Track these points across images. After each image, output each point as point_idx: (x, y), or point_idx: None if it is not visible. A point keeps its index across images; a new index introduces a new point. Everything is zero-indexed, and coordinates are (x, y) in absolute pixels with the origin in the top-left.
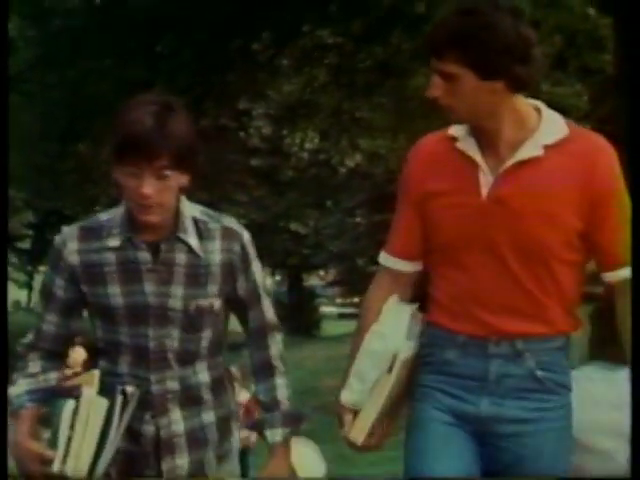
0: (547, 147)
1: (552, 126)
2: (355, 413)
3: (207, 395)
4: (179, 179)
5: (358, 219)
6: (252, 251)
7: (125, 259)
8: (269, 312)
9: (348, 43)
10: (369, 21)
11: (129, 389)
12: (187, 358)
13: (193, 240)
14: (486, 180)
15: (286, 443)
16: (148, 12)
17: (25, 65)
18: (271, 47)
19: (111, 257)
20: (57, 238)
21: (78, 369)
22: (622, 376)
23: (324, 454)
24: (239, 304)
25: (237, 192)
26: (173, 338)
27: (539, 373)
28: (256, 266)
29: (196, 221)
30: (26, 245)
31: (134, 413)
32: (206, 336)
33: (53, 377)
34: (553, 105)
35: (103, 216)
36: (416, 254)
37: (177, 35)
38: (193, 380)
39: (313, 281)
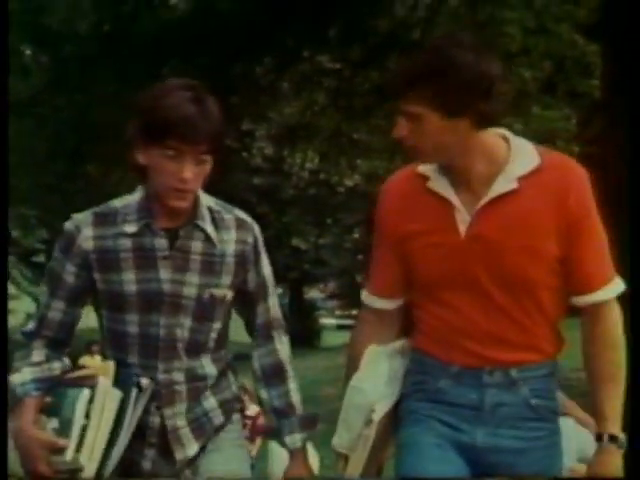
0: (520, 178)
1: (522, 156)
2: (346, 456)
3: (210, 386)
4: (210, 165)
5: (356, 236)
6: (262, 243)
7: (141, 245)
8: (276, 309)
9: (346, 68)
10: (367, 47)
11: (144, 381)
12: (195, 349)
13: (210, 228)
14: (462, 218)
15: (305, 447)
16: (153, 38)
17: (37, 89)
18: (273, 71)
19: (127, 243)
20: (69, 224)
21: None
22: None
23: (324, 460)
24: (247, 298)
25: (240, 209)
26: (184, 327)
27: (533, 401)
28: (265, 260)
29: (211, 210)
30: (41, 259)
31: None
32: (216, 327)
33: (57, 367)
34: (543, 128)
35: (117, 203)
36: (397, 292)
37: (181, 60)
38: (199, 372)
39: (313, 294)
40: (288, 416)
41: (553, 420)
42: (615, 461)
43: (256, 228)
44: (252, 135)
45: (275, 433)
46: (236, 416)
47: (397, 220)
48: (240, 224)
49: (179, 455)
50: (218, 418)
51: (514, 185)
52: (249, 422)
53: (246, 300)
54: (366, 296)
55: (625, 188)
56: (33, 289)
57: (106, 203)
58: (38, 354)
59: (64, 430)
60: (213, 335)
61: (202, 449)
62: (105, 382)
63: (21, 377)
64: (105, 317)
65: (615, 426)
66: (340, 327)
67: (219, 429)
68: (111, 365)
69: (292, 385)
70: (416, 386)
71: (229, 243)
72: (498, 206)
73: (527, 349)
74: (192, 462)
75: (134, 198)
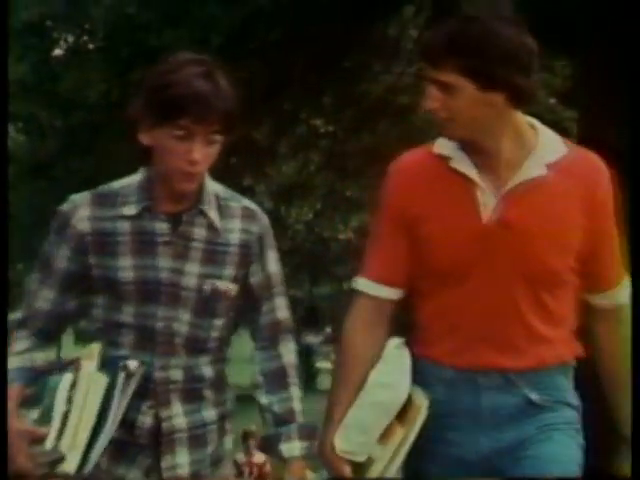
0: (549, 165)
1: (551, 143)
2: (351, 463)
3: (208, 390)
4: (219, 147)
5: (347, 287)
6: (271, 239)
7: (140, 229)
8: (283, 310)
9: (340, 130)
10: (359, 111)
11: (133, 364)
12: (195, 346)
13: (214, 215)
14: (486, 201)
15: (303, 458)
16: None
17: (52, 152)
18: (271, 134)
19: (125, 226)
20: (65, 205)
21: None
22: None
23: None
24: (251, 295)
25: None
26: (182, 322)
27: (535, 397)
28: (273, 256)
29: (217, 197)
30: None
31: (130, 401)
32: (217, 325)
33: (39, 357)
34: None
35: (117, 184)
36: (399, 280)
37: None
38: (197, 372)
39: (310, 339)
40: (287, 423)
41: (563, 410)
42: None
43: (265, 220)
44: (252, 191)
45: (271, 442)
46: (229, 447)
47: (408, 201)
48: (247, 213)
49: (165, 462)
50: (212, 434)
51: (543, 171)
52: (255, 470)
53: (249, 297)
54: (363, 283)
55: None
56: None
57: (105, 184)
58: (21, 343)
59: (45, 419)
60: (214, 334)
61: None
62: (88, 365)
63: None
64: (99, 306)
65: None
66: None
67: (212, 449)
68: (96, 348)
69: (295, 392)
70: None
71: (233, 232)
72: (526, 192)
73: (533, 356)
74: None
75: (135, 180)
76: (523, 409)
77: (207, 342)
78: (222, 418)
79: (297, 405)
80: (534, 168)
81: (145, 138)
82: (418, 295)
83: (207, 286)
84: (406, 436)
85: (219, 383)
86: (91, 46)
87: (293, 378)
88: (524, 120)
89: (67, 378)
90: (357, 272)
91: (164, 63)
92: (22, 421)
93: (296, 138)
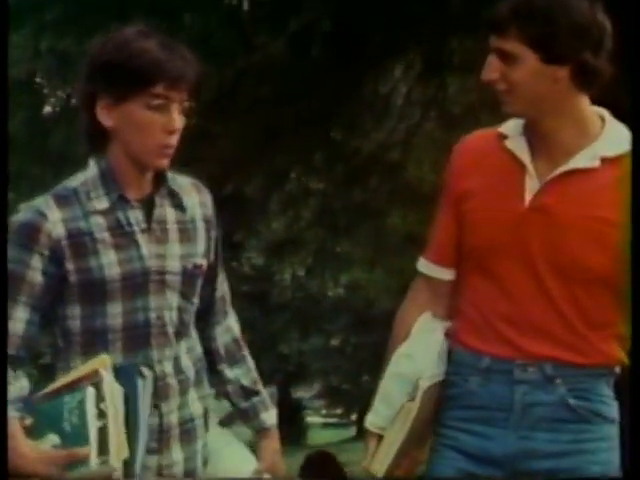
0: (605, 159)
1: (615, 138)
2: (380, 438)
3: (191, 380)
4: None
5: (336, 342)
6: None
7: (115, 222)
8: (226, 283)
9: (331, 186)
10: (349, 168)
11: (145, 370)
12: (181, 331)
13: (179, 190)
14: (532, 185)
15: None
16: None
17: None
18: (262, 190)
19: (100, 221)
20: (25, 215)
21: None
22: None
23: None
24: (208, 270)
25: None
26: (172, 308)
27: (572, 401)
28: (218, 232)
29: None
30: None
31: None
32: (196, 305)
33: (26, 384)
34: None
35: (72, 182)
36: (452, 260)
37: None
38: (183, 360)
39: (300, 394)
40: (257, 393)
41: (600, 423)
42: None
43: (208, 192)
44: (242, 246)
45: (248, 415)
46: (211, 445)
47: (461, 176)
48: (197, 187)
49: (165, 459)
50: (200, 429)
51: (596, 163)
52: None
53: (207, 273)
54: (421, 263)
55: None
56: None
57: (58, 186)
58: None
59: (73, 440)
60: (193, 316)
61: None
62: (109, 375)
63: None
64: (77, 316)
65: None
66: (325, 425)
67: (201, 445)
68: (107, 358)
69: (251, 362)
70: (445, 391)
71: (194, 207)
72: (572, 180)
73: (568, 347)
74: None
75: (92, 173)
76: (558, 412)
77: (189, 325)
78: (205, 413)
79: (257, 375)
80: (587, 158)
81: (106, 118)
82: (458, 279)
83: (189, 265)
84: (411, 413)
85: (199, 370)
86: None
87: (245, 348)
88: (591, 108)
89: (90, 393)
90: (348, 328)
91: (115, 37)
92: (41, 449)
93: (286, 194)
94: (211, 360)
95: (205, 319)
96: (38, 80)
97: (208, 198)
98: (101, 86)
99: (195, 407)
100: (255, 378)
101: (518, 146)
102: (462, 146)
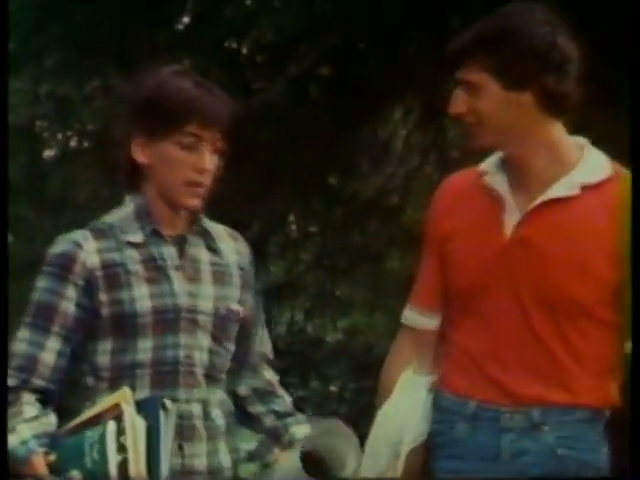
0: (585, 187)
1: (595, 165)
2: None
3: (222, 429)
4: (218, 158)
5: (335, 388)
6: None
7: (149, 256)
8: (269, 343)
9: (329, 230)
10: (348, 211)
11: (168, 403)
12: (212, 375)
13: (214, 234)
14: (512, 218)
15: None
16: None
17: (41, 254)
18: (260, 235)
19: (134, 254)
20: (62, 246)
21: None
22: None
23: None
24: (244, 320)
25: None
26: (203, 349)
27: (560, 451)
28: (255, 283)
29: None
30: None
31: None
32: (231, 351)
33: (53, 421)
34: None
35: (109, 218)
36: (437, 304)
37: None
38: (213, 407)
39: None
40: (292, 415)
41: (587, 474)
42: None
43: (245, 242)
44: None
45: (279, 432)
46: None
47: (442, 217)
48: (232, 235)
49: None
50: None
51: (576, 191)
52: None
53: (243, 322)
54: (405, 314)
55: None
56: None
57: (95, 221)
58: (30, 409)
59: (94, 476)
60: (227, 362)
61: None
62: (130, 409)
63: (19, 436)
64: (107, 351)
65: None
66: None
67: None
68: (128, 392)
69: (289, 399)
70: (432, 440)
71: (230, 253)
72: (553, 211)
73: (555, 385)
74: None
75: (128, 209)
76: (546, 462)
77: (222, 371)
78: (235, 465)
79: (291, 406)
80: (565, 187)
81: (141, 155)
82: (445, 323)
83: (222, 308)
84: (397, 473)
85: (231, 427)
86: (80, 147)
87: (283, 391)
88: (567, 136)
89: (111, 428)
90: (346, 373)
91: (151, 76)
92: None
93: (285, 238)
94: (242, 404)
95: (238, 372)
96: (38, 124)
97: (245, 248)
98: (136, 124)
99: (224, 458)
100: (291, 406)
101: (496, 180)
102: (442, 188)
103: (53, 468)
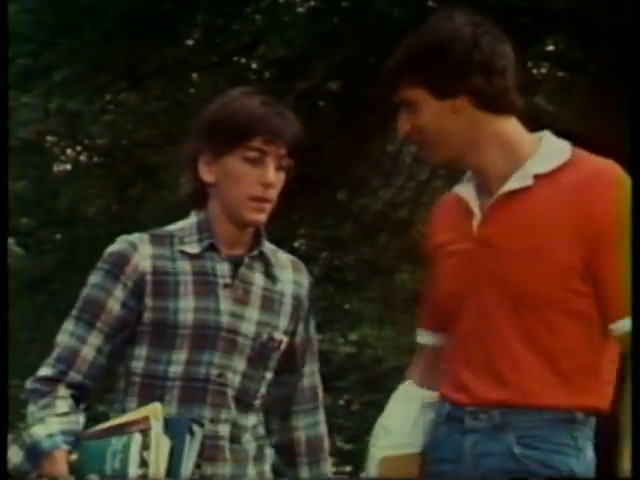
0: (539, 176)
1: (549, 153)
2: None
3: (250, 455)
4: (286, 175)
5: (344, 401)
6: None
7: (202, 269)
8: (319, 377)
9: (339, 245)
10: (358, 225)
11: (195, 427)
12: (244, 400)
13: (273, 260)
14: (476, 221)
15: None
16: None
17: (51, 268)
18: None
19: (186, 266)
20: (118, 245)
21: None
22: None
23: None
24: (291, 353)
25: None
26: (237, 371)
27: (517, 450)
28: (313, 318)
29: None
30: None
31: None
32: (267, 379)
33: (82, 421)
34: None
35: (171, 227)
36: (433, 324)
37: None
38: (242, 431)
39: None
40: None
41: (547, 475)
42: None
43: (308, 276)
44: None
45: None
46: None
47: (430, 236)
48: (295, 265)
49: None
50: None
51: (528, 182)
52: None
53: (290, 356)
54: (417, 331)
55: None
56: None
57: (158, 228)
58: (63, 404)
59: None
60: (262, 389)
61: None
62: (158, 426)
63: (47, 428)
64: (142, 357)
65: None
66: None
67: None
68: (159, 408)
69: (329, 465)
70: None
71: (287, 283)
72: (507, 205)
73: (520, 390)
74: None
75: (191, 221)
76: (505, 464)
77: (256, 397)
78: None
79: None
80: (518, 180)
81: (207, 174)
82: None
83: (264, 335)
84: None
85: (261, 451)
86: (90, 162)
87: (326, 448)
88: (520, 130)
89: (136, 440)
90: (358, 387)
91: (221, 97)
92: None
93: (295, 252)
94: (289, 452)
95: (287, 407)
96: (48, 140)
97: (305, 280)
98: (204, 143)
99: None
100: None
101: (465, 189)
102: (433, 208)
103: (72, 468)
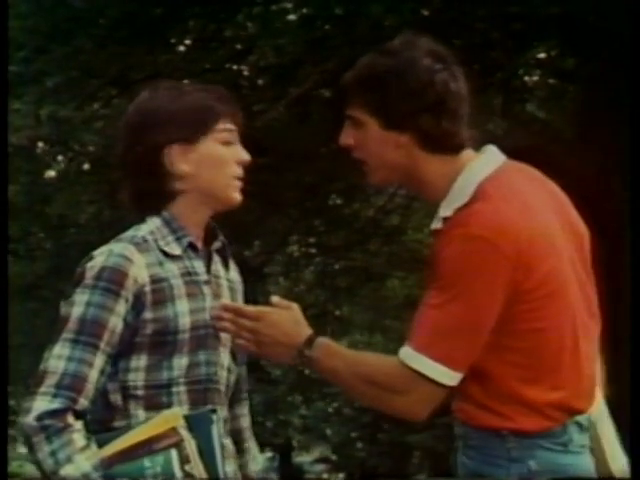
0: (445, 219)
1: (454, 195)
2: None
3: (231, 447)
4: None
5: (336, 406)
6: None
7: (185, 270)
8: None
9: (331, 251)
10: (350, 231)
11: (214, 417)
12: (228, 394)
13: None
14: None
15: None
16: None
17: (42, 274)
18: (262, 254)
19: (173, 268)
20: (113, 258)
21: None
22: None
23: None
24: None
25: None
26: (224, 367)
27: (460, 459)
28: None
29: None
30: None
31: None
32: (243, 372)
33: (96, 449)
34: None
35: (137, 232)
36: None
37: None
38: (236, 428)
39: (301, 458)
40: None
41: None
42: None
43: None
44: None
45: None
46: None
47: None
48: (229, 251)
49: None
50: None
51: (439, 225)
52: None
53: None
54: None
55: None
56: None
57: (125, 235)
58: (80, 437)
59: None
60: (242, 383)
61: None
62: (187, 434)
63: (78, 469)
64: (142, 368)
65: None
66: None
67: None
68: (179, 413)
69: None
70: None
71: (234, 270)
72: (434, 243)
73: (460, 407)
74: None
75: (154, 224)
76: (459, 469)
77: (240, 392)
78: None
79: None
80: (435, 221)
81: (183, 164)
82: None
83: None
84: None
85: (248, 445)
86: (82, 168)
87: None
88: (446, 169)
89: (174, 457)
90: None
91: (167, 92)
92: None
93: (287, 258)
94: (238, 439)
95: (234, 395)
96: (39, 146)
97: (236, 265)
98: (168, 137)
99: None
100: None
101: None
102: None
103: None
